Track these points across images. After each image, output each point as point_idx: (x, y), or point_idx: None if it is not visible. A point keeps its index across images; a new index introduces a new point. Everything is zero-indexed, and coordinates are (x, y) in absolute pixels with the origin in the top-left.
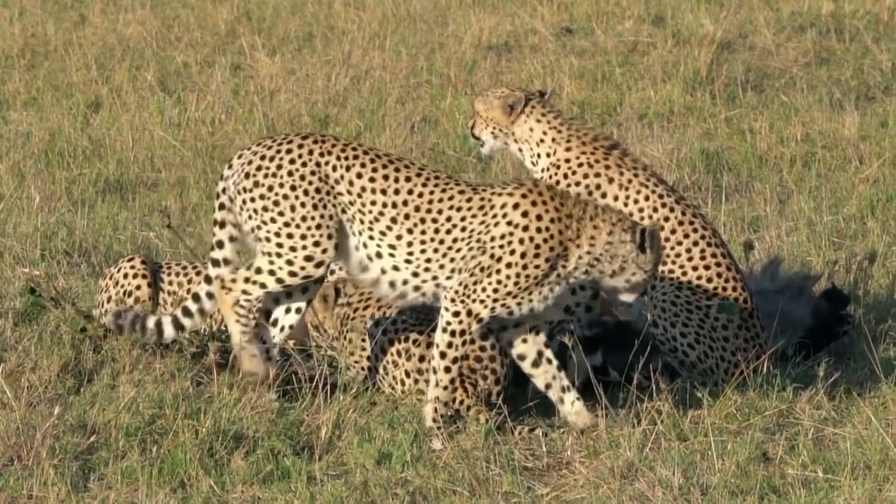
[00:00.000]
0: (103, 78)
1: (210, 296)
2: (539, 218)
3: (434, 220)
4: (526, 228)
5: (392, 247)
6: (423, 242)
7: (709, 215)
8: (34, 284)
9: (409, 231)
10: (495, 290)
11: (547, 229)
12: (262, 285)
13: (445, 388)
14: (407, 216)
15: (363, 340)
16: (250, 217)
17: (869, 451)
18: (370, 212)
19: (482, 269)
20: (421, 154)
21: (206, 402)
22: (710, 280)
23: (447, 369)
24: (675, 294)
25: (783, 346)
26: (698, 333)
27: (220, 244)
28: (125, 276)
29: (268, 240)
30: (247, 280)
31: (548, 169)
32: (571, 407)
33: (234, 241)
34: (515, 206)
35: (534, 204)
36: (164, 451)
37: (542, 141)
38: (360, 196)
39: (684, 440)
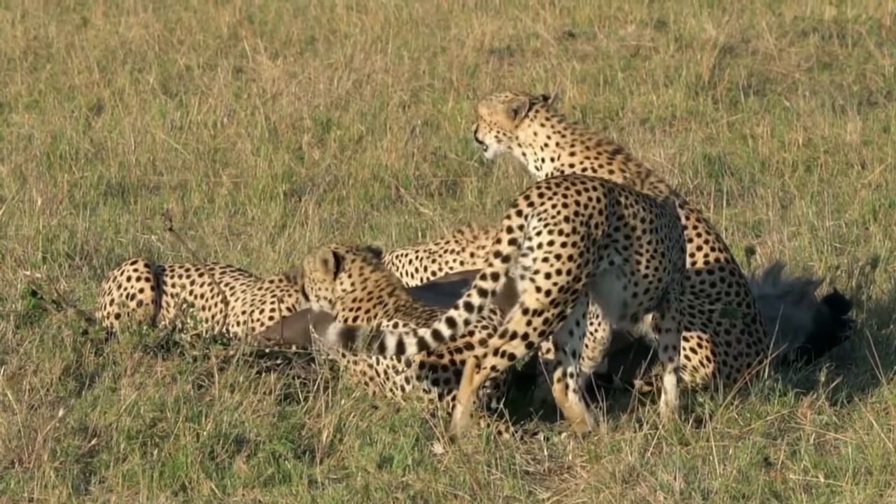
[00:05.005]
0: (105, 81)
1: (467, 323)
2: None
3: (670, 249)
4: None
5: (660, 280)
6: (667, 272)
7: (711, 220)
8: (36, 287)
9: (664, 265)
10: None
11: None
12: (511, 356)
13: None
14: (668, 248)
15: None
16: (545, 259)
17: (870, 457)
18: (647, 251)
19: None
20: (423, 158)
21: (208, 406)
22: (712, 285)
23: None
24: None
25: (785, 351)
26: (700, 338)
27: (496, 277)
28: (128, 279)
29: (547, 293)
30: (496, 352)
31: (552, 173)
32: (675, 385)
33: (505, 277)
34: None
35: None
36: (165, 455)
37: (545, 145)
38: (639, 238)
39: (686, 445)
